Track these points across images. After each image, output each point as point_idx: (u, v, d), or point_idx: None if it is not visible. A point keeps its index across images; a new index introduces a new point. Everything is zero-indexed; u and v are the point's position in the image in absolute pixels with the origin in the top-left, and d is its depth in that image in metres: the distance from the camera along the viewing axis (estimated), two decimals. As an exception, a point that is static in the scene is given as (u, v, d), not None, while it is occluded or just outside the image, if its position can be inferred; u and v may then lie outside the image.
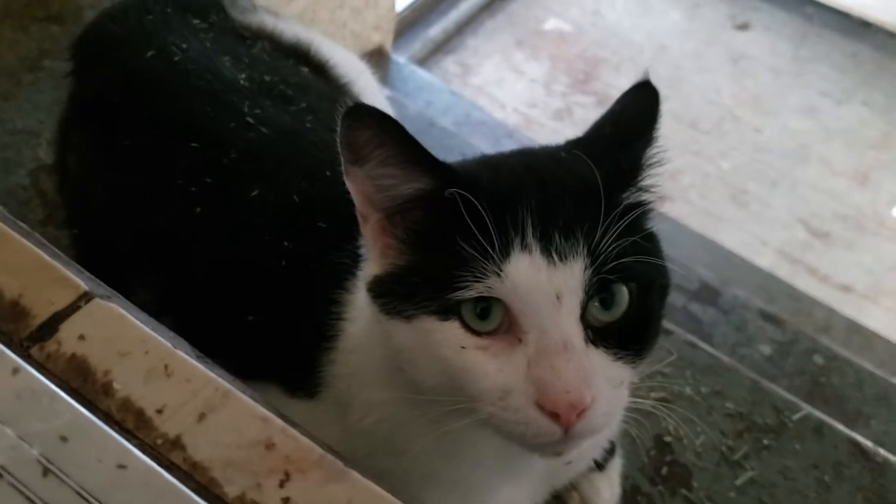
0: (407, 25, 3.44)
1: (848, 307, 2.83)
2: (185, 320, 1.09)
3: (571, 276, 0.76)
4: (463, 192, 0.76)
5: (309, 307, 1.01)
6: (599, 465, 1.23)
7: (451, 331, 0.77)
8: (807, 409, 1.50)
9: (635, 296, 0.80)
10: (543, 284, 0.75)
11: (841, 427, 1.50)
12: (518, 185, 0.81)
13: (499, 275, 0.75)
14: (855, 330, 2.66)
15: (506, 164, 0.89)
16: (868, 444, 1.48)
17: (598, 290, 0.77)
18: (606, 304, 0.79)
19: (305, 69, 1.35)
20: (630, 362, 0.81)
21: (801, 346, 2.05)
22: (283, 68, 1.28)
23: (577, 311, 0.76)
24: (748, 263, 2.79)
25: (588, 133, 0.90)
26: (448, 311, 0.77)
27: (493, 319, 0.77)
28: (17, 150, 1.54)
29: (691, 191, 3.20)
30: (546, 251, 0.76)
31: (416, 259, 0.82)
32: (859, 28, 3.92)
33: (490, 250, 0.75)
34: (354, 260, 0.94)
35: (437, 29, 3.52)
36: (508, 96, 3.43)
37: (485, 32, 3.67)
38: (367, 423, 0.97)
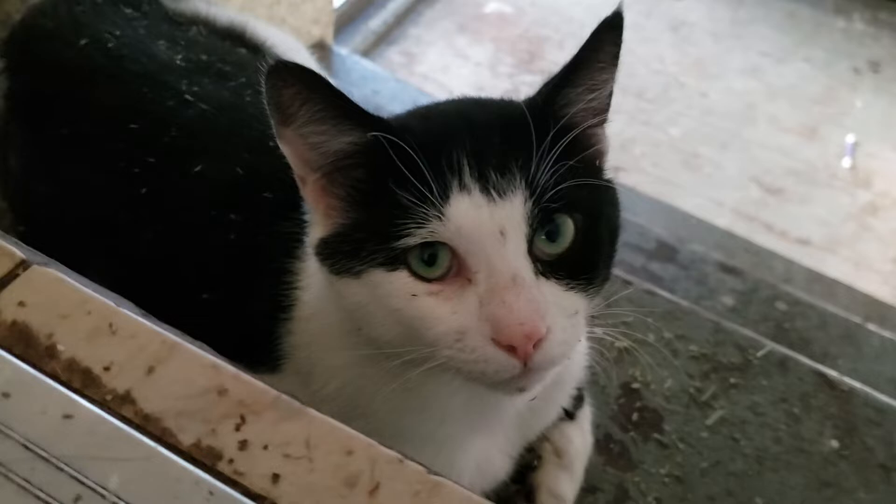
0: (347, 19, 3.42)
1: (807, 260, 2.87)
2: (142, 305, 1.08)
3: (513, 211, 0.76)
4: (391, 138, 0.76)
5: (262, 279, 1.01)
6: (570, 415, 1.23)
7: (400, 280, 0.78)
8: (770, 344, 1.52)
9: (581, 226, 0.81)
10: (486, 222, 0.76)
11: (805, 359, 1.52)
12: (450, 129, 0.82)
13: (441, 218, 0.76)
14: (815, 279, 2.69)
15: (436, 111, 0.90)
16: (833, 373, 1.51)
17: (542, 222, 0.78)
18: (552, 235, 0.79)
19: (243, 50, 1.34)
20: (583, 291, 0.81)
21: (762, 294, 2.07)
22: (219, 48, 1.27)
23: (523, 246, 0.77)
24: (705, 223, 2.81)
25: None
26: (395, 261, 0.78)
27: (441, 264, 0.77)
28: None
29: (643, 160, 3.22)
30: (485, 189, 0.76)
31: (358, 215, 0.82)
32: (795, -13, 3.98)
33: (429, 195, 0.76)
34: (303, 228, 0.93)
35: (377, 21, 3.51)
36: (455, 81, 3.43)
37: (425, 21, 3.67)
38: (331, 388, 0.97)
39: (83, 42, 1.19)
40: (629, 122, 3.32)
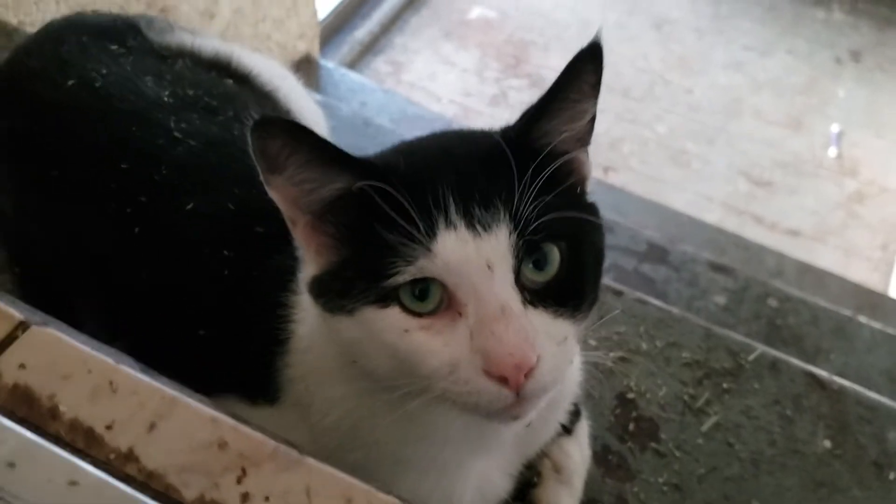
0: (333, 31, 3.44)
1: (799, 251, 2.90)
2: (137, 345, 1.08)
3: (498, 244, 0.78)
4: (377, 184, 0.78)
5: (257, 313, 1.02)
6: (567, 430, 1.25)
7: (392, 317, 0.79)
8: (761, 348, 1.54)
9: (566, 254, 0.82)
10: (472, 256, 0.77)
11: (795, 361, 1.53)
12: (434, 167, 0.83)
13: (429, 255, 0.77)
14: (806, 270, 2.72)
15: (420, 149, 0.91)
16: (823, 373, 1.52)
17: (528, 253, 0.80)
18: (540, 265, 0.81)
19: (229, 81, 1.35)
20: (570, 318, 0.83)
21: (754, 292, 2.09)
22: (205, 81, 1.28)
23: (510, 277, 0.79)
24: (695, 220, 2.83)
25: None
26: (387, 298, 0.79)
27: (433, 299, 0.79)
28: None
29: (631, 158, 3.25)
30: (470, 225, 0.78)
31: (349, 253, 0.84)
32: (774, -20, 4.01)
33: (416, 234, 0.77)
34: (296, 261, 0.95)
35: (362, 31, 3.53)
36: (443, 88, 3.45)
37: (411, 29, 3.69)
38: (331, 419, 0.98)
39: (70, 82, 1.20)
40: (616, 122, 3.35)
